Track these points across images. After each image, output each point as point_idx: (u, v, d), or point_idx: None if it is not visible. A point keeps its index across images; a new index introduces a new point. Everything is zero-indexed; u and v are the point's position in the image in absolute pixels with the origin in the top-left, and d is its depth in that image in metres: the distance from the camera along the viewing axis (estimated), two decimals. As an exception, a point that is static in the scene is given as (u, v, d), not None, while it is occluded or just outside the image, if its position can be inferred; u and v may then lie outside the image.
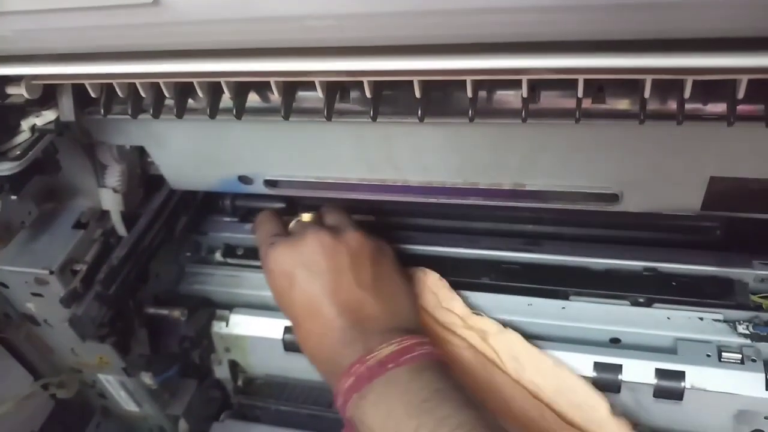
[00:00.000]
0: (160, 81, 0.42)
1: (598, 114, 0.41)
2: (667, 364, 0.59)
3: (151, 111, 0.45)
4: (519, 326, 0.63)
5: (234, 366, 0.75)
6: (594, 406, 0.57)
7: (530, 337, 0.62)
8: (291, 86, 0.43)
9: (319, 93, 0.40)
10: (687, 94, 0.35)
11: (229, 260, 0.73)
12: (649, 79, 0.35)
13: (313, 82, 0.40)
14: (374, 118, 0.41)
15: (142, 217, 0.65)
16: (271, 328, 0.68)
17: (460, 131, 0.46)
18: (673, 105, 0.38)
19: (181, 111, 0.44)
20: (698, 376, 0.58)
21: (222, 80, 0.41)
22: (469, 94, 0.38)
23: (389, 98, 0.43)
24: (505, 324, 0.62)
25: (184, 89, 0.44)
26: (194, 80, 0.41)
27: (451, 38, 0.33)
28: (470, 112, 0.39)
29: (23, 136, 0.51)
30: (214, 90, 0.43)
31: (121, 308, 0.63)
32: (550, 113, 0.41)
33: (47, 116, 0.50)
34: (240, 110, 0.44)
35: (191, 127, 0.54)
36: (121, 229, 0.63)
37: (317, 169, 0.55)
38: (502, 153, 0.48)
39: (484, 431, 0.44)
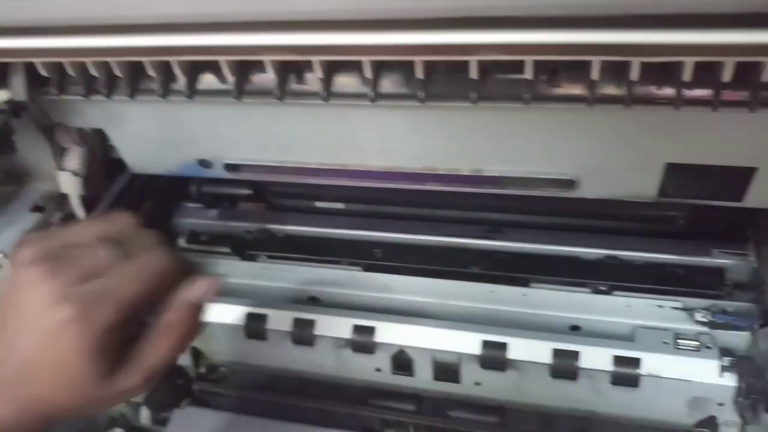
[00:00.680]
0: (109, 59, 0.41)
1: (549, 98, 0.41)
2: (624, 351, 0.59)
3: (105, 91, 0.44)
4: (481, 313, 0.64)
5: (196, 353, 0.74)
6: None
7: (492, 324, 0.62)
8: (243, 66, 0.42)
9: (270, 73, 0.39)
10: (635, 75, 0.35)
11: (194, 246, 0.73)
12: (596, 60, 0.35)
13: (265, 63, 0.40)
14: (326, 99, 0.41)
15: (103, 201, 0.64)
16: (233, 314, 0.68)
17: (417, 115, 0.46)
18: (623, 88, 0.38)
19: (133, 91, 0.44)
20: (654, 363, 0.58)
21: (170, 58, 0.40)
22: (419, 75, 0.38)
23: (342, 79, 0.43)
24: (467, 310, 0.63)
25: (135, 69, 0.44)
26: (143, 59, 0.41)
27: (398, 12, 0.33)
28: (421, 93, 0.39)
29: (-26, 117, 0.50)
30: (165, 70, 0.43)
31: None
32: (501, 96, 0.41)
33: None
34: (191, 90, 0.43)
35: (149, 110, 0.53)
36: (80, 213, 0.63)
37: (278, 153, 0.55)
38: (459, 138, 0.48)
39: None
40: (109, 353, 0.42)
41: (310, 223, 0.73)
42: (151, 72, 0.42)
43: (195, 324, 0.46)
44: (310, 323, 0.66)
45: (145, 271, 0.43)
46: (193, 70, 0.43)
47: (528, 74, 0.36)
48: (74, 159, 0.60)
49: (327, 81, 0.41)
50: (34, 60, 0.42)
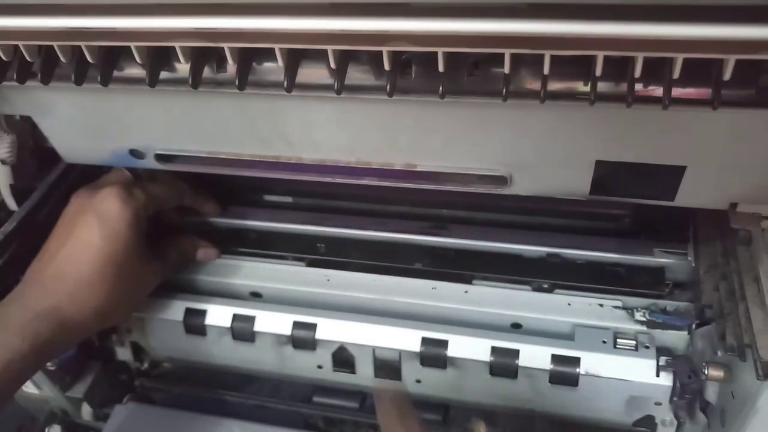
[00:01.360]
0: (19, 43, 0.40)
1: (466, 92, 0.40)
2: (563, 350, 0.59)
3: (15, 76, 0.43)
4: (423, 310, 0.63)
5: (137, 348, 0.73)
6: None
7: (434, 321, 0.62)
8: (157, 53, 0.41)
9: (181, 58, 0.38)
10: (546, 70, 0.34)
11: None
12: (507, 53, 0.34)
13: (177, 50, 0.39)
14: (242, 88, 0.40)
15: (36, 191, 0.62)
16: (171, 309, 0.67)
17: (341, 106, 0.45)
18: (537, 83, 0.38)
19: (45, 76, 0.42)
20: (593, 362, 0.58)
21: (81, 43, 0.39)
22: (333, 64, 0.37)
23: (258, 68, 0.42)
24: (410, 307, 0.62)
25: (49, 53, 0.42)
26: (53, 43, 0.39)
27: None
28: (336, 84, 0.38)
29: None
30: (78, 55, 0.41)
31: (10, 285, 0.61)
32: (417, 89, 0.40)
33: None
34: (106, 77, 0.42)
35: (75, 97, 0.52)
36: (10, 203, 0.61)
37: (209, 144, 0.54)
38: (388, 131, 0.48)
39: None
40: (142, 235, 0.59)
41: (253, 216, 0.71)
42: (62, 57, 0.40)
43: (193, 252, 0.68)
44: (250, 319, 0.65)
45: (163, 185, 0.63)
46: (107, 56, 0.42)
47: (441, 67, 0.35)
48: (3, 147, 0.58)
49: (242, 70, 0.40)
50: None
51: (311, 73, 0.42)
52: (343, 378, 0.66)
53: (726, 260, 0.53)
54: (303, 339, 0.63)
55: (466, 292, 0.64)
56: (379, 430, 0.47)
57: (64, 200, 0.64)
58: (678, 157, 0.45)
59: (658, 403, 0.58)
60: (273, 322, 0.64)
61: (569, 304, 0.62)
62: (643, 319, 0.60)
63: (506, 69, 0.35)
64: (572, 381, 0.58)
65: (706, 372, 0.53)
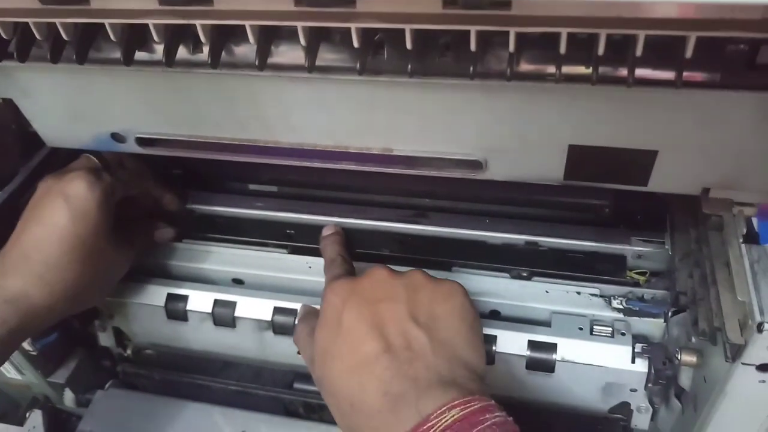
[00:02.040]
0: (-7, 19, 0.40)
1: (435, 72, 0.40)
2: (540, 336, 0.59)
3: (-7, 53, 0.43)
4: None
5: (119, 334, 0.73)
6: None
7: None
8: (132, 31, 0.41)
9: (155, 37, 0.38)
10: (511, 47, 0.35)
11: (117, 225, 0.72)
12: (473, 30, 0.34)
13: (150, 27, 0.39)
14: (213, 66, 0.41)
15: (18, 176, 0.63)
16: (153, 294, 0.67)
17: (320, 88, 0.46)
18: (504, 62, 0.38)
19: (21, 55, 0.43)
20: (569, 349, 0.59)
21: (56, 20, 0.39)
22: (303, 42, 0.37)
23: (231, 47, 0.42)
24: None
25: (25, 31, 0.42)
26: (28, 20, 0.40)
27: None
28: (306, 62, 0.39)
29: None
30: (53, 33, 0.42)
31: (-9, 270, 0.61)
32: (387, 69, 0.41)
33: None
34: (81, 56, 0.42)
35: (55, 78, 0.52)
36: (-9, 186, 0.61)
37: (189, 128, 0.54)
38: (364, 114, 0.48)
39: None
40: (109, 211, 0.59)
41: (235, 204, 0.72)
42: (36, 34, 0.41)
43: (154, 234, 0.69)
44: (231, 304, 0.65)
45: (129, 171, 0.64)
46: (83, 34, 0.42)
47: (408, 44, 0.36)
48: (-16, 131, 0.59)
49: (215, 48, 0.40)
50: None
51: (284, 52, 0.42)
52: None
53: (699, 247, 0.54)
54: (284, 324, 0.64)
55: (446, 279, 0.64)
56: None
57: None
58: (649, 142, 0.46)
59: (633, 390, 0.59)
60: (254, 307, 0.65)
61: (547, 292, 0.63)
62: (620, 306, 0.61)
63: (472, 47, 0.35)
64: (549, 367, 0.59)
65: (679, 357, 0.53)
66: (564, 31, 0.34)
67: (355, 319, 0.47)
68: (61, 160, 0.65)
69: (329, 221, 0.68)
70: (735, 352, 0.45)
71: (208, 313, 0.65)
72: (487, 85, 0.42)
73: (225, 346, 0.69)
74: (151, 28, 0.39)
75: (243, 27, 0.39)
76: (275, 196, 0.75)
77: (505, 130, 0.46)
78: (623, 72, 0.37)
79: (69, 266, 0.56)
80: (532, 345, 0.59)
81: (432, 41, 0.40)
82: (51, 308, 0.56)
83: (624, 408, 0.60)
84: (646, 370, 0.57)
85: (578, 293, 0.62)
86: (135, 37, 0.42)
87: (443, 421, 0.39)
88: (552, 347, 0.59)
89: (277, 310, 0.64)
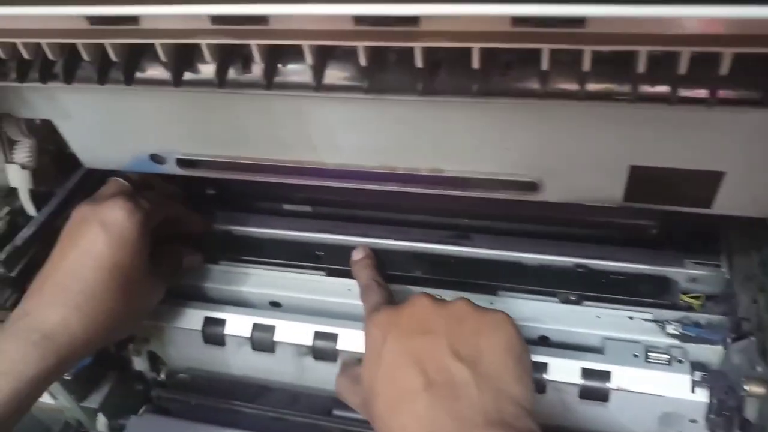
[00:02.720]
0: (41, 41, 0.39)
1: (500, 92, 0.38)
2: (594, 363, 0.57)
3: (37, 76, 0.42)
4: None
5: (154, 358, 0.72)
6: None
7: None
8: (181, 52, 0.40)
9: (207, 57, 0.37)
10: (586, 66, 0.33)
11: (153, 247, 0.70)
12: (545, 48, 0.33)
13: (203, 48, 0.38)
14: (268, 88, 0.39)
15: (55, 197, 0.62)
16: (190, 318, 0.65)
17: (367, 108, 0.44)
18: (576, 82, 0.36)
19: (68, 76, 0.41)
20: (624, 377, 0.56)
21: (104, 41, 0.38)
22: (363, 62, 0.36)
23: (285, 67, 0.41)
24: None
25: (72, 52, 0.41)
26: (77, 41, 0.38)
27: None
28: (365, 84, 0.37)
29: None
30: (100, 54, 0.40)
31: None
32: (450, 89, 0.39)
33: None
34: (130, 75, 0.41)
35: (96, 99, 0.51)
36: (29, 208, 0.60)
37: (232, 149, 0.53)
38: (416, 134, 0.46)
39: None
40: (147, 241, 0.57)
41: (273, 225, 0.70)
42: (84, 55, 0.40)
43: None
44: (270, 329, 0.63)
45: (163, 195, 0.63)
46: (131, 54, 0.41)
47: (475, 63, 0.34)
48: (23, 151, 0.58)
49: (269, 69, 0.39)
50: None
51: (338, 73, 0.41)
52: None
53: (764, 270, 0.51)
54: (324, 349, 0.62)
55: (492, 303, 0.62)
56: None
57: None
58: (716, 163, 0.44)
59: (693, 421, 0.56)
60: (293, 332, 0.63)
61: (598, 317, 0.60)
62: (676, 332, 0.58)
63: (544, 65, 0.34)
64: (603, 396, 0.56)
65: (745, 388, 0.50)
66: (643, 50, 0.32)
67: (395, 354, 0.45)
68: (95, 182, 0.65)
69: (367, 242, 0.66)
70: (813, 386, 0.42)
71: (246, 338, 0.64)
72: (550, 105, 0.40)
73: (262, 371, 0.67)
74: (203, 48, 0.37)
75: (295, 46, 0.37)
76: (310, 216, 0.74)
77: (564, 150, 0.45)
78: (702, 92, 0.35)
79: (108, 296, 0.54)
80: (585, 373, 0.56)
81: (493, 59, 0.39)
82: (89, 341, 0.54)
83: (683, 440, 0.58)
84: (707, 400, 0.54)
85: (630, 318, 0.60)
86: (184, 57, 0.41)
87: None
88: (606, 375, 0.56)
89: (318, 335, 0.62)
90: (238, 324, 0.64)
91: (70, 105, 0.52)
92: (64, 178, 0.63)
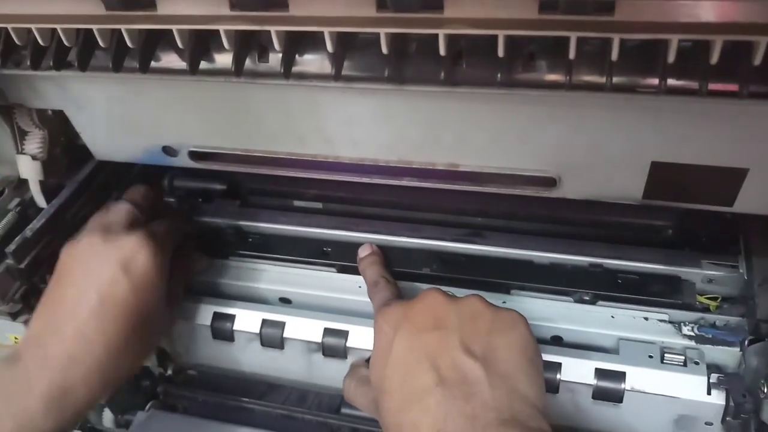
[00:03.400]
0: (57, 26, 0.39)
1: (524, 83, 0.38)
2: (608, 364, 0.56)
3: (51, 63, 0.41)
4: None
5: (162, 354, 0.71)
6: None
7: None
8: (198, 38, 0.39)
9: (225, 43, 0.36)
10: (615, 55, 0.32)
11: (162, 242, 0.70)
12: (573, 36, 0.32)
13: (222, 35, 0.37)
14: (287, 77, 0.38)
15: (65, 189, 0.61)
16: (199, 313, 0.65)
17: (386, 100, 0.44)
18: (603, 73, 0.36)
19: (82, 63, 0.41)
20: (639, 378, 0.55)
21: (122, 27, 0.37)
22: (384, 50, 0.35)
23: (304, 56, 0.40)
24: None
25: (87, 38, 0.41)
26: (93, 26, 0.38)
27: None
28: (387, 73, 0.36)
29: None
30: (117, 40, 0.40)
31: (36, 284, 0.59)
32: (473, 80, 0.38)
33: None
34: (145, 62, 0.40)
35: (110, 90, 0.51)
36: (39, 200, 0.60)
37: (246, 141, 0.52)
38: (433, 128, 0.46)
39: None
40: (166, 286, 0.53)
41: (284, 221, 0.70)
42: (101, 42, 0.39)
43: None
44: (280, 325, 0.63)
45: (169, 218, 0.59)
46: (146, 42, 0.40)
47: (501, 52, 0.33)
48: (34, 142, 0.57)
49: (287, 57, 0.38)
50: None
51: (358, 63, 0.40)
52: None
53: (786, 272, 0.50)
54: (334, 347, 0.61)
55: (504, 302, 0.61)
56: None
57: (93, 198, 0.63)
58: (741, 159, 0.43)
59: (708, 424, 0.55)
60: (303, 328, 0.62)
61: (612, 317, 0.60)
62: (692, 333, 0.57)
63: (571, 54, 0.33)
64: (617, 397, 0.55)
65: (764, 390, 0.49)
66: (675, 38, 0.31)
67: (405, 349, 0.44)
68: (107, 174, 0.64)
69: (378, 239, 0.66)
70: (835, 389, 0.41)
71: (255, 334, 0.63)
72: (572, 97, 0.39)
73: (270, 368, 0.67)
74: (222, 34, 0.37)
75: (314, 34, 0.37)
76: (321, 213, 0.73)
77: (585, 145, 0.44)
78: (733, 85, 0.34)
79: (131, 343, 0.51)
80: (600, 373, 0.56)
81: (516, 50, 0.38)
82: (107, 387, 0.51)
83: (698, 443, 0.57)
84: (723, 403, 0.53)
85: (646, 319, 0.59)
86: (200, 45, 0.40)
87: None
88: (620, 376, 0.55)
89: (328, 332, 0.61)
90: (247, 320, 0.63)
91: (83, 95, 0.52)
92: (75, 170, 0.63)
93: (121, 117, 0.53)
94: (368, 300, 0.62)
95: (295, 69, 0.41)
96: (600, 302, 0.60)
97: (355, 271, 0.65)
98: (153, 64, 0.43)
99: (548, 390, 0.56)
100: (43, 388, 0.47)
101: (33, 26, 0.39)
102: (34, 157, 0.58)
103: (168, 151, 0.54)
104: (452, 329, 0.44)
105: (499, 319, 0.45)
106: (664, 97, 0.35)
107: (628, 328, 0.59)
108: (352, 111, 0.46)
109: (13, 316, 0.59)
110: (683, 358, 0.56)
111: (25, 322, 0.60)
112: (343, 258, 0.66)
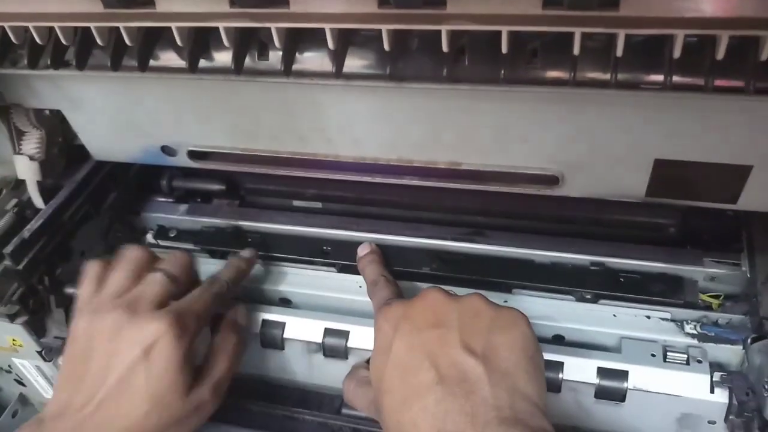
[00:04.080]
0: (55, 25, 0.38)
1: (527, 80, 0.37)
2: (610, 362, 0.56)
3: (49, 62, 0.41)
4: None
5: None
6: None
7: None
8: (199, 34, 0.39)
9: (225, 41, 0.36)
10: (620, 51, 0.32)
11: (161, 242, 0.69)
12: (578, 32, 0.32)
13: (221, 32, 0.37)
14: (287, 75, 0.38)
15: (63, 189, 0.61)
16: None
17: (387, 98, 0.43)
18: (607, 70, 0.35)
19: (81, 62, 0.40)
20: (642, 377, 0.55)
21: (120, 24, 0.37)
22: (386, 47, 0.35)
23: (305, 54, 0.40)
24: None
25: (84, 36, 0.40)
26: (91, 24, 0.37)
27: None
28: (389, 70, 0.36)
29: None
30: (115, 38, 0.39)
31: (34, 285, 0.59)
32: (476, 77, 0.38)
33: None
34: (144, 60, 0.40)
35: (107, 88, 0.50)
36: (37, 200, 0.59)
37: (245, 141, 0.52)
38: (435, 126, 0.45)
39: None
40: (191, 365, 0.49)
41: (283, 220, 0.69)
42: (98, 39, 0.38)
43: (244, 341, 0.57)
44: (280, 325, 0.62)
45: (205, 292, 0.53)
46: (145, 40, 0.40)
47: (504, 48, 0.33)
48: (32, 143, 0.57)
49: (288, 54, 0.38)
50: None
51: (359, 60, 0.39)
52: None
53: (789, 269, 0.50)
54: (334, 347, 0.61)
55: (506, 301, 0.61)
56: None
57: (90, 199, 0.63)
58: (745, 156, 0.42)
59: (712, 422, 0.54)
60: (304, 328, 0.62)
61: (614, 316, 0.59)
62: (694, 332, 0.57)
63: (575, 50, 0.32)
64: (619, 396, 0.55)
65: (767, 388, 0.49)
66: (680, 33, 0.31)
67: (405, 348, 0.43)
68: (104, 176, 0.64)
69: (379, 239, 0.65)
70: (840, 387, 0.41)
71: (255, 334, 0.63)
72: (575, 93, 0.39)
73: (270, 368, 0.66)
74: (222, 31, 0.36)
75: (315, 31, 0.36)
76: (321, 212, 0.73)
77: (588, 142, 0.44)
78: (739, 82, 0.34)
79: (146, 426, 0.48)
80: (602, 372, 0.55)
81: (519, 47, 0.38)
82: None
83: (701, 441, 0.56)
84: (727, 401, 0.53)
85: (648, 317, 0.59)
86: (200, 43, 0.40)
87: None
88: (623, 375, 0.55)
89: (329, 332, 0.61)
90: (247, 320, 0.63)
91: (80, 95, 0.51)
92: (73, 171, 0.62)
93: (119, 117, 0.52)
94: (369, 300, 0.62)
95: (295, 67, 0.40)
96: (602, 301, 0.60)
97: (355, 270, 0.64)
98: (152, 62, 0.43)
99: (550, 389, 0.56)
100: None
101: (30, 24, 0.39)
102: (31, 158, 0.57)
103: (167, 150, 0.54)
104: (452, 327, 0.43)
105: (499, 318, 0.45)
106: (669, 93, 0.34)
107: (630, 326, 0.58)
108: (353, 109, 0.45)
109: (11, 318, 0.58)
110: (686, 356, 0.55)
111: (23, 324, 0.60)
112: (343, 257, 0.66)
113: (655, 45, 0.33)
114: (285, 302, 0.66)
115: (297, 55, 0.40)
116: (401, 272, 0.62)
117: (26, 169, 0.58)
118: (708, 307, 0.59)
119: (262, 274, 0.66)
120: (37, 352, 0.63)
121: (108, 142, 0.55)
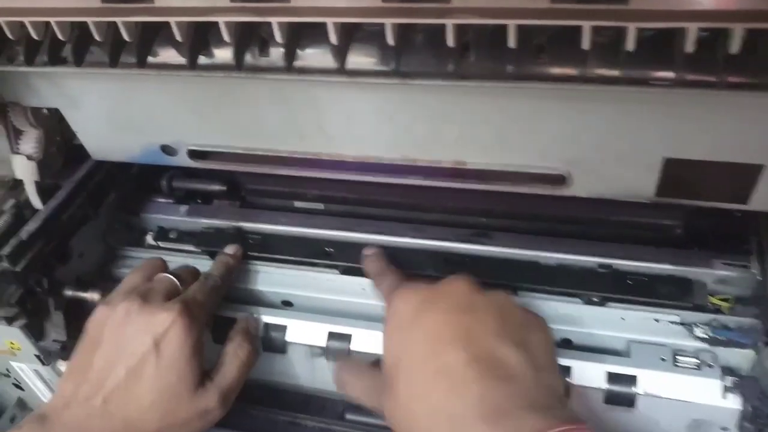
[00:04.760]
0: (51, 20, 0.37)
1: (535, 76, 0.36)
2: (619, 367, 0.55)
3: (46, 58, 0.40)
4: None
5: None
6: None
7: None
8: (197, 31, 0.38)
9: (225, 36, 0.35)
10: (630, 45, 0.31)
11: (161, 244, 0.69)
12: (587, 25, 0.31)
13: (221, 27, 0.36)
14: (289, 71, 0.37)
15: (61, 190, 0.60)
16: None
17: (390, 96, 0.42)
18: (616, 65, 0.34)
19: (78, 58, 0.39)
20: (651, 381, 0.54)
21: (118, 19, 0.36)
22: (390, 41, 0.34)
23: (306, 50, 0.39)
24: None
25: (82, 32, 0.40)
26: (88, 19, 0.37)
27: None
28: (392, 66, 0.35)
29: None
30: (113, 34, 0.39)
31: (32, 287, 0.58)
32: (482, 73, 0.37)
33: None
34: (143, 56, 0.39)
35: (107, 87, 0.49)
36: (35, 201, 0.58)
37: (246, 140, 0.51)
38: (439, 124, 0.44)
39: None
40: (199, 358, 0.51)
41: (286, 222, 0.68)
42: (96, 35, 0.38)
43: (256, 351, 0.58)
44: (282, 329, 0.61)
45: (204, 285, 0.55)
46: (143, 35, 0.39)
47: (511, 42, 0.32)
48: (30, 142, 0.56)
49: (290, 49, 0.37)
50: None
51: (363, 56, 0.39)
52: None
53: (802, 272, 0.49)
54: (338, 350, 0.60)
55: (512, 303, 0.59)
56: None
57: (89, 200, 0.62)
58: (756, 155, 0.41)
59: (724, 429, 0.53)
60: (306, 332, 0.61)
61: (623, 319, 0.58)
62: (704, 335, 0.56)
63: (584, 44, 0.31)
64: (629, 401, 0.54)
65: (782, 394, 0.48)
66: (693, 27, 0.30)
67: (431, 327, 0.43)
68: (103, 175, 0.63)
69: (382, 240, 0.64)
70: None
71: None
72: (583, 90, 0.38)
73: (272, 373, 0.65)
74: (222, 26, 0.35)
75: (317, 26, 0.36)
76: (323, 213, 0.72)
77: (596, 140, 0.43)
78: (752, 78, 0.33)
79: (152, 420, 0.49)
80: (611, 377, 0.54)
81: (525, 42, 0.37)
82: None
83: (713, 448, 0.55)
84: (739, 407, 0.52)
85: (656, 320, 0.58)
86: (199, 39, 0.39)
87: None
88: (632, 379, 0.54)
89: (332, 336, 0.60)
90: (248, 323, 0.62)
91: (79, 93, 0.50)
92: (72, 171, 0.61)
93: (117, 115, 0.51)
94: (372, 302, 0.61)
95: (297, 63, 0.39)
96: (609, 304, 0.59)
97: (358, 272, 0.64)
98: (150, 58, 0.42)
99: (558, 394, 0.55)
100: None
101: (26, 20, 0.38)
102: (29, 157, 0.57)
103: (167, 150, 0.53)
104: (486, 314, 0.44)
105: (530, 318, 0.46)
106: (680, 90, 0.33)
107: (639, 330, 0.57)
108: (356, 107, 0.44)
109: (9, 320, 0.58)
110: (697, 360, 0.54)
111: (21, 327, 0.59)
112: (346, 259, 0.65)
113: (665, 40, 0.32)
114: (287, 305, 0.65)
115: (299, 51, 0.40)
116: (405, 274, 0.61)
117: (24, 169, 0.57)
118: (718, 310, 0.58)
119: (263, 276, 0.65)
120: (36, 355, 0.63)
121: (107, 141, 0.55)
